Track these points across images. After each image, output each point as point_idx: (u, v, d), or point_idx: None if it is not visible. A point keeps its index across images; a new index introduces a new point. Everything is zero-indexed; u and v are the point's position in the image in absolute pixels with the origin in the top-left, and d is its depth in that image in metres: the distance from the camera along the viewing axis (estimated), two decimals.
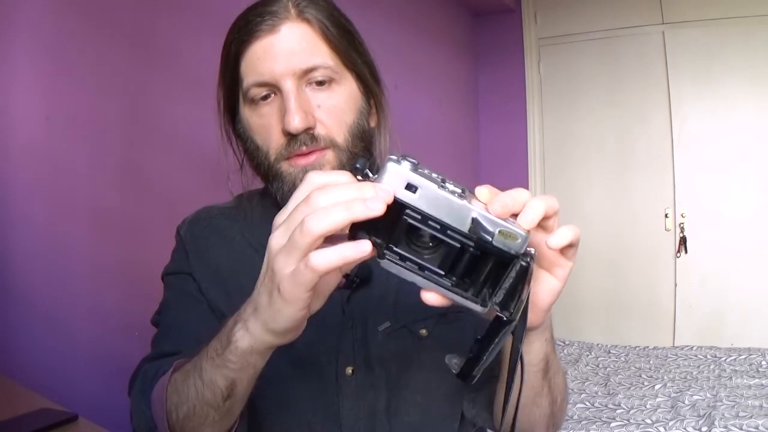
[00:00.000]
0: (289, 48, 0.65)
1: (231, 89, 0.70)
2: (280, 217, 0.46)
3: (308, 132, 0.65)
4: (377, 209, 0.40)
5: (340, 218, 0.41)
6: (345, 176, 0.45)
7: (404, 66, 2.68)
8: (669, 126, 3.21)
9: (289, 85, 0.65)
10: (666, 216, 3.25)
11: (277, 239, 0.45)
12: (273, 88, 0.66)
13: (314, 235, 0.41)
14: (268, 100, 0.67)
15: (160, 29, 1.60)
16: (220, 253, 0.76)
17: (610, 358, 2.89)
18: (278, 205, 0.76)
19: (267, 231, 0.75)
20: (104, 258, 1.44)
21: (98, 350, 1.40)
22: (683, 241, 3.20)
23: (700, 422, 1.98)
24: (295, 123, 0.64)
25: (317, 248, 0.42)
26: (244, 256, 0.75)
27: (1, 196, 1.25)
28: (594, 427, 2.05)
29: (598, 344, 3.09)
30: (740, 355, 2.66)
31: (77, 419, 0.96)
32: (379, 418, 0.71)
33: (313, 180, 0.45)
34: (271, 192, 0.71)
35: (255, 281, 0.73)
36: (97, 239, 1.43)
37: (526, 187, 3.66)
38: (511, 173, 3.61)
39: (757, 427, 1.91)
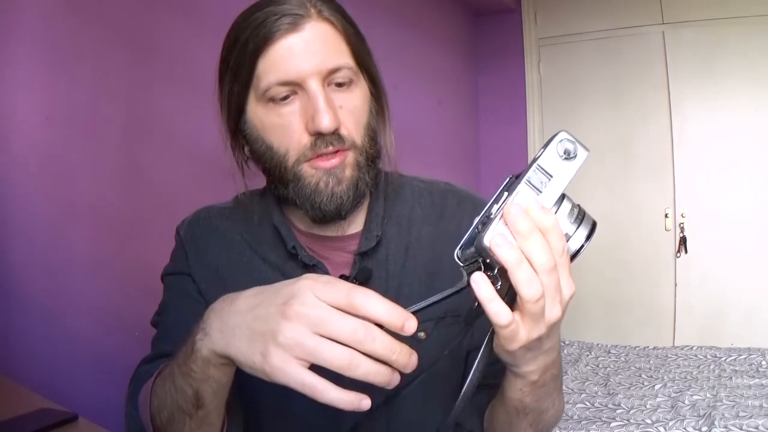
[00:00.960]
0: (315, 47, 0.64)
1: (242, 89, 0.68)
2: (324, 290, 0.46)
3: (335, 132, 0.65)
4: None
5: (360, 373, 0.45)
6: (389, 310, 0.46)
7: (404, 66, 2.68)
8: (669, 126, 3.21)
9: (316, 85, 0.64)
10: (666, 216, 3.25)
11: (305, 312, 0.45)
12: (295, 88, 0.65)
13: (325, 364, 0.45)
14: (288, 100, 0.65)
15: (160, 29, 1.60)
16: (220, 254, 0.76)
17: (610, 358, 2.89)
18: (279, 204, 0.76)
19: (266, 231, 0.76)
20: (104, 258, 1.44)
21: (98, 350, 1.40)
22: (683, 241, 3.20)
23: (700, 422, 1.98)
24: (326, 123, 0.63)
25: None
26: (243, 256, 0.75)
27: (1, 196, 1.25)
28: (594, 427, 2.05)
29: (598, 344, 3.09)
30: (740, 355, 2.66)
31: (77, 419, 0.96)
32: (378, 419, 0.71)
33: (365, 304, 0.46)
34: (281, 194, 0.71)
35: (253, 281, 0.73)
36: (97, 239, 1.43)
37: None
38: (511, 173, 3.60)
39: (757, 427, 1.91)
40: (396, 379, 0.45)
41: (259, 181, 0.78)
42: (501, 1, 3.43)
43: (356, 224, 0.75)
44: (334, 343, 0.44)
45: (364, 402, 0.45)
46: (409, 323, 0.45)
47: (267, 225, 0.76)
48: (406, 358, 0.45)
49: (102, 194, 1.44)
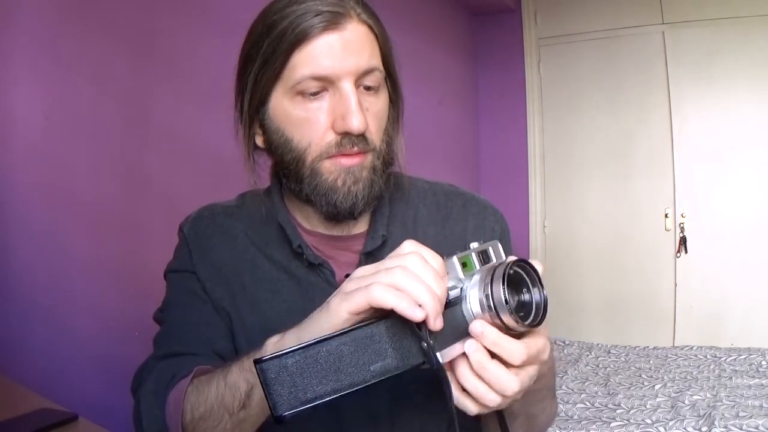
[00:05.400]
0: (354, 48, 0.65)
1: (271, 77, 0.67)
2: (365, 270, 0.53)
3: (360, 134, 0.66)
4: (418, 316, 0.47)
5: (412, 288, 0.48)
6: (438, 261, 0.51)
7: (404, 66, 2.66)
8: (669, 126, 3.22)
9: (349, 85, 0.64)
10: (666, 216, 3.25)
11: (358, 271, 0.52)
12: (327, 84, 0.65)
13: (388, 278, 0.49)
14: (317, 96, 0.66)
15: (160, 29, 1.60)
16: (223, 252, 0.75)
17: (610, 358, 2.89)
18: (284, 202, 0.76)
19: (271, 230, 0.76)
20: (104, 258, 1.44)
21: (98, 350, 1.40)
22: (683, 241, 3.20)
23: (700, 422, 1.98)
24: (357, 124, 0.64)
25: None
26: (247, 254, 0.75)
27: (0, 195, 1.25)
28: (594, 427, 2.05)
29: (598, 344, 3.09)
30: (740, 355, 2.66)
31: (77, 419, 0.96)
32: (381, 421, 0.71)
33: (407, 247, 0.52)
34: (293, 189, 0.70)
35: (257, 280, 0.73)
36: (97, 239, 1.43)
37: (527, 187, 3.68)
38: (511, 173, 3.61)
39: (757, 427, 1.91)
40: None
41: (266, 178, 0.77)
42: (501, 1, 3.43)
43: (362, 224, 0.75)
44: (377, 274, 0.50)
45: (419, 309, 0.48)
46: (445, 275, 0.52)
47: (272, 223, 0.76)
48: (437, 285, 0.49)
49: (102, 194, 1.44)
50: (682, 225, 3.21)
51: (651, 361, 2.76)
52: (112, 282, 1.45)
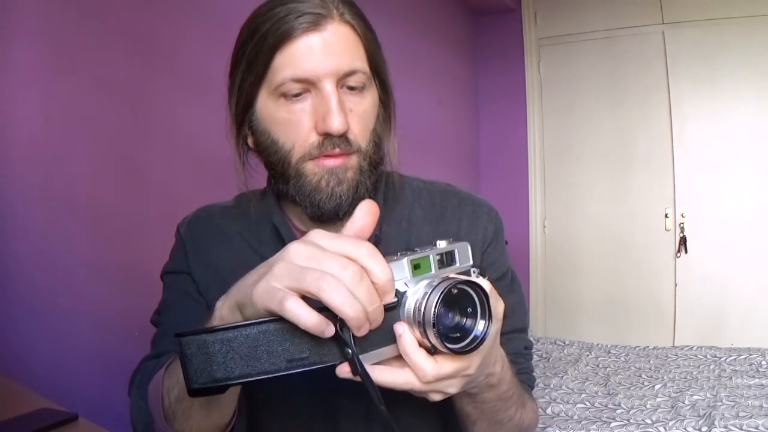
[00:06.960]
0: (334, 49, 0.64)
1: (255, 80, 0.67)
2: (321, 238, 0.46)
3: (342, 135, 0.66)
4: (363, 330, 0.44)
5: (348, 310, 0.43)
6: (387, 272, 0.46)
7: (404, 66, 2.68)
8: (669, 126, 3.22)
9: (330, 86, 0.64)
10: (666, 216, 3.25)
11: (299, 251, 0.45)
12: (309, 86, 0.65)
13: (319, 294, 0.43)
14: (300, 97, 0.66)
15: (159, 28, 1.60)
16: (220, 253, 0.76)
17: (610, 358, 2.89)
18: (279, 203, 0.76)
19: (266, 230, 0.76)
20: (104, 258, 1.44)
21: (98, 350, 1.40)
22: (683, 241, 3.20)
23: (700, 422, 1.98)
24: (337, 125, 0.63)
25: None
26: (243, 255, 0.75)
27: (0, 195, 1.25)
28: (594, 427, 2.05)
29: (598, 344, 3.09)
30: (740, 355, 2.66)
31: (77, 419, 0.96)
32: (376, 418, 0.71)
33: (363, 251, 0.46)
34: (281, 190, 0.70)
35: None
36: (97, 239, 1.43)
37: (527, 187, 3.67)
38: (511, 173, 3.61)
39: (757, 427, 1.91)
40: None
41: (261, 179, 0.78)
42: (501, 1, 3.43)
43: None
44: (321, 272, 0.44)
45: (328, 329, 0.44)
46: (391, 294, 0.46)
47: (267, 224, 0.76)
48: (378, 314, 0.45)
49: (102, 194, 1.44)
50: (682, 225, 3.21)
51: (651, 361, 2.76)
52: (112, 282, 1.45)
